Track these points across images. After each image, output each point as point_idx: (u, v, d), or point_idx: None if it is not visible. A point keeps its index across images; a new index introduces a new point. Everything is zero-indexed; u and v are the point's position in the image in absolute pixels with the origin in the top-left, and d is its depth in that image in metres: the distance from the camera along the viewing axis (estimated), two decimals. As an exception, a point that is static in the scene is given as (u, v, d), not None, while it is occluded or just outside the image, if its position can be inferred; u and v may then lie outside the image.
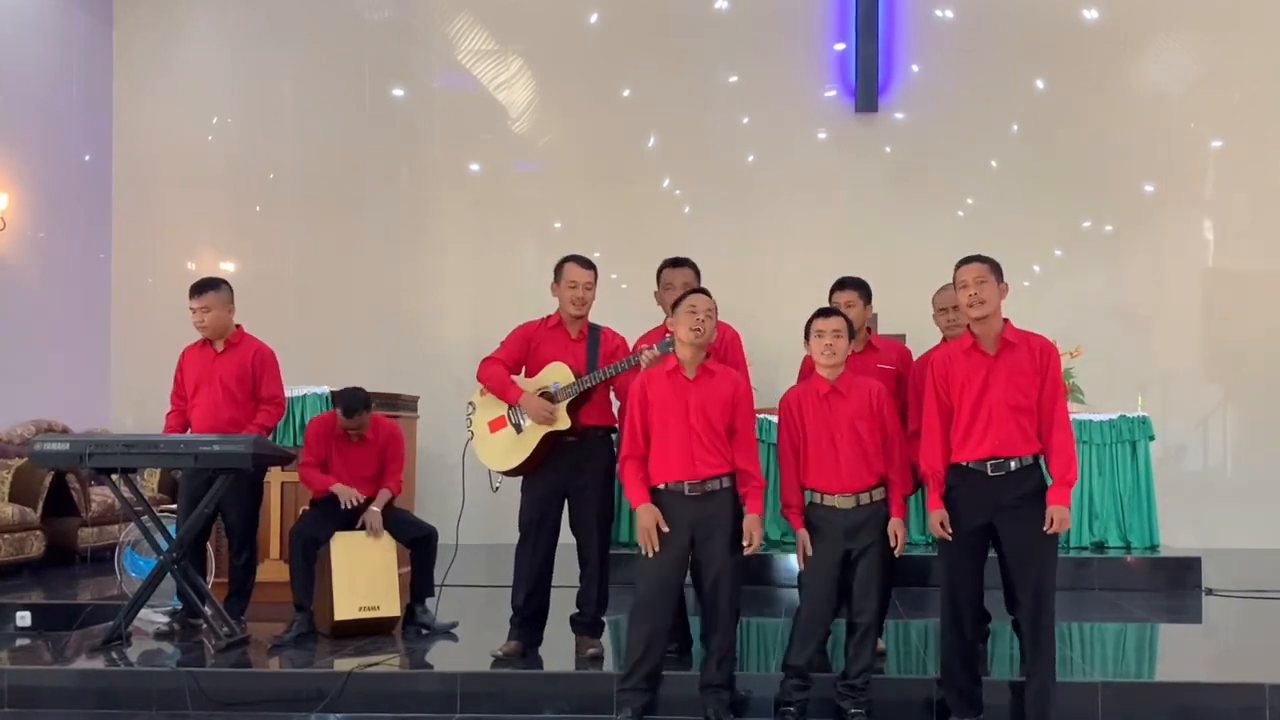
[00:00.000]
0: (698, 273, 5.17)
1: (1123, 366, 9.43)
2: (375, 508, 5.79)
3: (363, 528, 5.73)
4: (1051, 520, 4.12)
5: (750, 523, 4.37)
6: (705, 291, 4.59)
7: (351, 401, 5.82)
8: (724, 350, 5.02)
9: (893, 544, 4.41)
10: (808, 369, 5.02)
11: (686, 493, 4.37)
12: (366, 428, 5.89)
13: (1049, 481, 4.21)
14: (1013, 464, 4.19)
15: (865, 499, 4.41)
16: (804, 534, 4.45)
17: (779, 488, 4.60)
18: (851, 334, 4.53)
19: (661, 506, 4.38)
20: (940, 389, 4.31)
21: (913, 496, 4.79)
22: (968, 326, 4.34)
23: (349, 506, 5.69)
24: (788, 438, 4.50)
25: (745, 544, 4.36)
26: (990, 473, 4.19)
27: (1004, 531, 4.22)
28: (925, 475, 4.35)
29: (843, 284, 5.15)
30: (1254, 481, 9.43)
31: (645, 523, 4.35)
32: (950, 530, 4.24)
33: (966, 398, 4.24)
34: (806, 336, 4.51)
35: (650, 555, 4.35)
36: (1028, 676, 4.27)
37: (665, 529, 4.34)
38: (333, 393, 5.85)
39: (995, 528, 4.23)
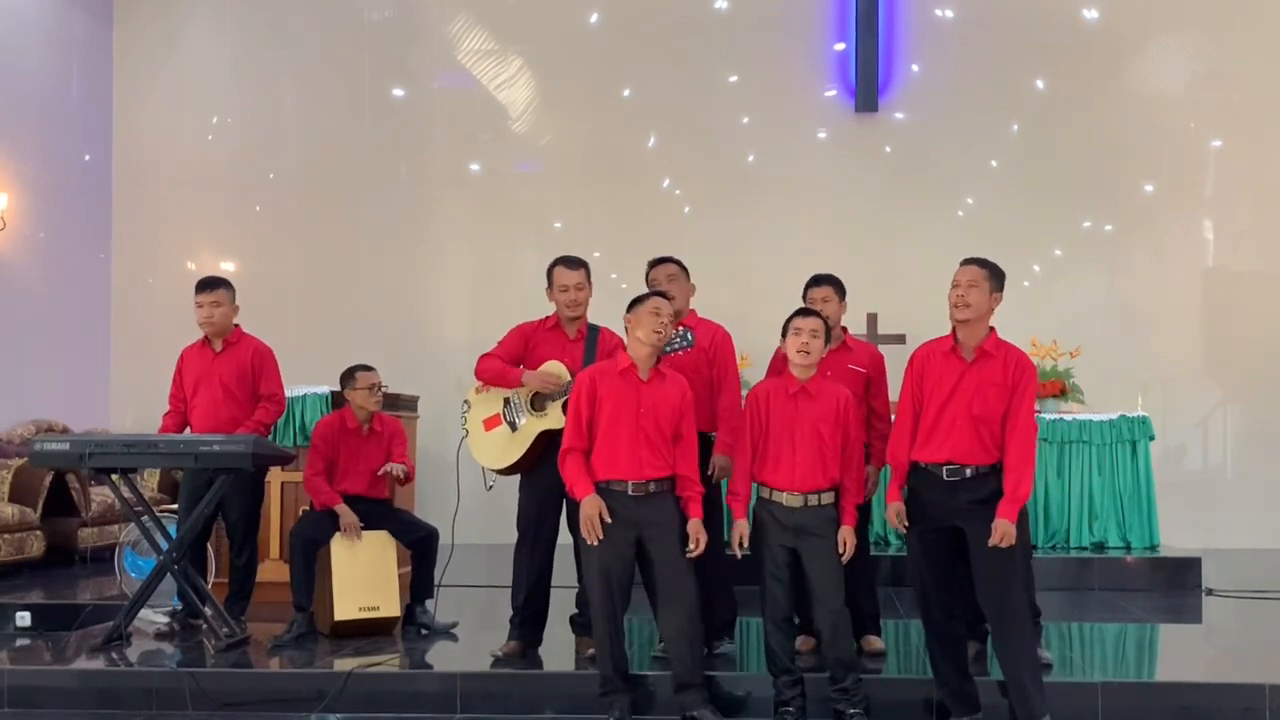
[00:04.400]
0: (683, 267, 5.17)
1: (1123, 366, 9.43)
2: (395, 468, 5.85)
3: (386, 473, 5.79)
4: (995, 532, 4.10)
5: (694, 527, 4.40)
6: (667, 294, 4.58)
7: (359, 366, 5.91)
8: (713, 350, 5.02)
9: (841, 550, 4.40)
10: (778, 362, 5.01)
11: (630, 493, 4.38)
12: (380, 393, 5.93)
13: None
14: (968, 471, 4.20)
15: (814, 500, 4.41)
16: (743, 524, 4.46)
17: (731, 478, 4.60)
18: (828, 336, 4.53)
19: (605, 503, 4.37)
20: (916, 384, 4.34)
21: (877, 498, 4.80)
22: (954, 328, 4.33)
23: (350, 535, 5.68)
24: (749, 430, 4.51)
25: (692, 547, 4.38)
26: (945, 477, 4.22)
27: (966, 532, 4.22)
28: (889, 464, 4.38)
29: (817, 280, 5.15)
30: (1254, 481, 9.42)
31: (589, 512, 4.34)
32: (907, 524, 4.27)
33: (935, 399, 4.27)
34: (784, 334, 4.51)
35: (593, 544, 4.35)
36: (1005, 676, 4.27)
37: (609, 520, 4.34)
38: (340, 378, 5.91)
39: (962, 531, 4.24)
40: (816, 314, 4.55)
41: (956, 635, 4.42)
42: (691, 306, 5.18)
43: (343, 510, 5.69)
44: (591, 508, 4.35)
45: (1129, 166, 9.67)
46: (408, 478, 5.95)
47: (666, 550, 4.40)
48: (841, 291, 5.14)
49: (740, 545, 4.47)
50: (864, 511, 4.95)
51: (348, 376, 5.92)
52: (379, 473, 5.84)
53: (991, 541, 4.10)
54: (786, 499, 4.41)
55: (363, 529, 5.72)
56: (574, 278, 5.10)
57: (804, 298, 5.08)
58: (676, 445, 4.46)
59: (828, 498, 4.44)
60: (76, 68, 9.87)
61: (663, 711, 4.61)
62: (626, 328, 4.53)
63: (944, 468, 4.22)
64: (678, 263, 5.19)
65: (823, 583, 4.40)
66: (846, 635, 4.47)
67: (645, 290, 4.70)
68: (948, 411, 4.23)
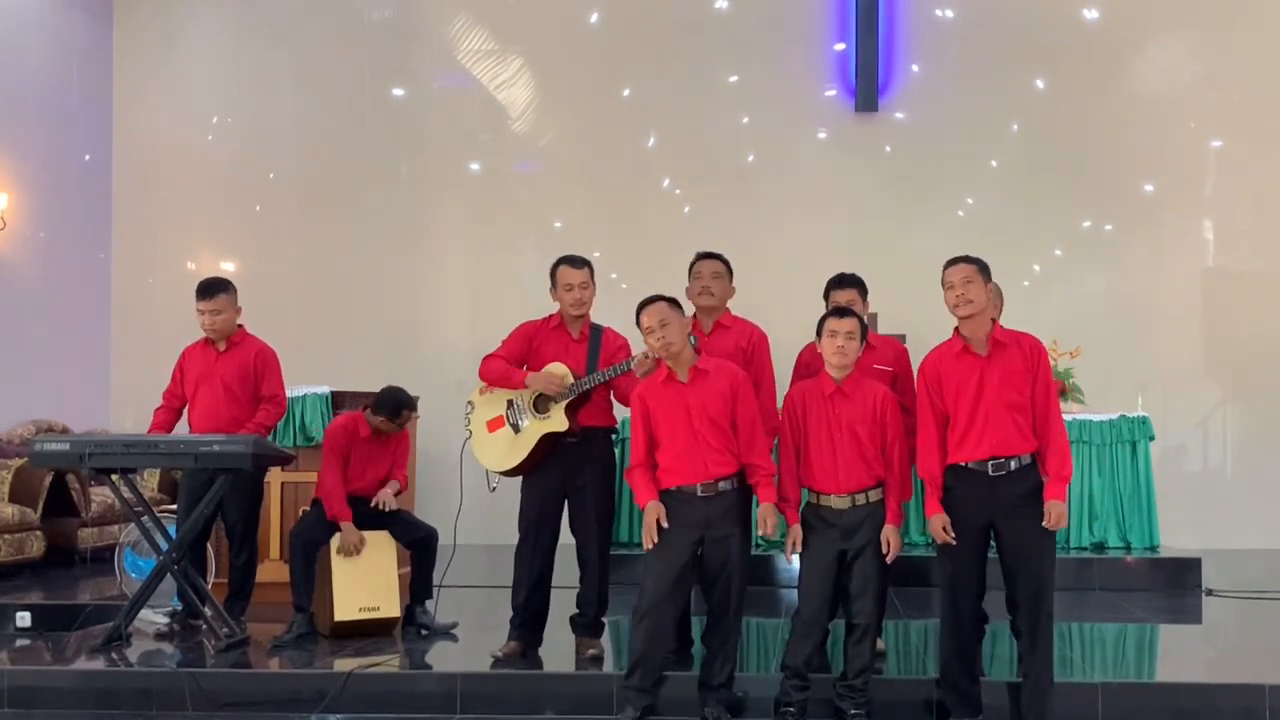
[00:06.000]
0: (729, 267, 5.15)
1: (1123, 366, 9.43)
2: (387, 490, 5.80)
3: (376, 508, 5.73)
4: (1050, 515, 4.13)
5: (765, 510, 4.39)
6: (657, 298, 4.51)
7: (410, 402, 5.89)
8: (750, 349, 5.01)
9: (884, 550, 4.39)
10: (803, 364, 5.02)
11: (699, 494, 4.38)
12: None
13: (1046, 479, 4.23)
14: (1013, 464, 4.20)
15: (861, 499, 4.41)
16: (796, 529, 4.47)
17: (779, 483, 4.59)
18: (863, 335, 4.52)
19: (671, 507, 4.38)
20: (933, 393, 4.33)
21: (912, 500, 4.79)
22: (956, 328, 4.34)
23: (350, 549, 5.68)
24: (790, 434, 4.51)
25: (761, 530, 4.38)
26: (991, 473, 4.21)
27: (1004, 530, 4.23)
28: (922, 480, 4.36)
29: (841, 281, 5.15)
30: (1254, 481, 9.42)
31: (649, 519, 4.35)
32: (953, 533, 4.24)
33: (963, 400, 4.25)
34: (819, 334, 4.51)
35: (652, 549, 4.35)
36: (1024, 675, 4.29)
37: (665, 525, 4.34)
38: (383, 394, 5.87)
39: (995, 527, 4.24)
40: (853, 314, 4.53)
41: (975, 638, 4.42)
42: (727, 306, 5.17)
43: (347, 529, 5.66)
44: (651, 515, 4.36)
45: (1129, 166, 9.67)
46: (400, 491, 5.96)
47: (724, 555, 4.40)
48: (864, 292, 5.15)
49: (794, 549, 4.47)
50: None
51: (395, 409, 5.82)
52: (374, 503, 5.77)
53: (1047, 524, 4.13)
54: (835, 501, 4.41)
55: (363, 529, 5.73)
56: (578, 276, 5.09)
57: (826, 298, 5.07)
58: (738, 433, 4.43)
59: (875, 495, 4.43)
60: (76, 68, 9.87)
61: (663, 712, 4.60)
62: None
63: (989, 463, 4.21)
64: (725, 262, 5.17)
65: (867, 584, 4.40)
66: (875, 636, 4.50)
67: (649, 289, 4.68)
68: (980, 408, 4.22)
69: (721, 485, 4.40)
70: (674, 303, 4.50)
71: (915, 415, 4.83)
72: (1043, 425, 4.23)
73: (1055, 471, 4.19)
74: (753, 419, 4.48)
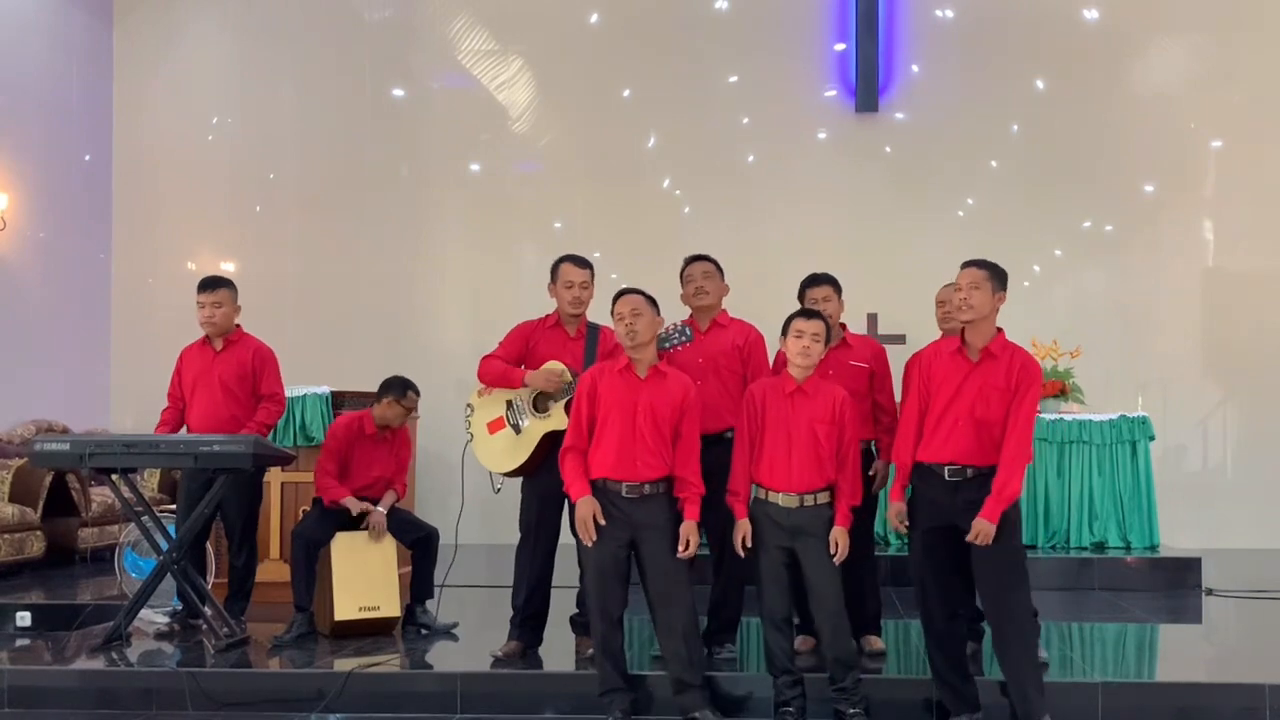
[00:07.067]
0: (718, 266, 5.18)
1: (1123, 366, 9.44)
2: (381, 508, 5.79)
3: (367, 528, 5.73)
4: (973, 530, 4.09)
5: (687, 529, 4.39)
6: (636, 290, 4.53)
7: (410, 385, 5.87)
8: (747, 349, 5.03)
9: (832, 551, 4.37)
10: (781, 362, 5.02)
11: (624, 494, 4.38)
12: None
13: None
14: (969, 471, 4.21)
15: (809, 500, 4.40)
16: (745, 523, 4.45)
17: (730, 477, 4.56)
18: (828, 338, 4.52)
19: (599, 502, 4.39)
20: (922, 384, 4.35)
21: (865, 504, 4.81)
22: (963, 329, 4.34)
23: (376, 530, 5.70)
24: (746, 428, 4.50)
25: (681, 549, 4.37)
26: (947, 477, 4.22)
27: (963, 536, 4.21)
28: (894, 464, 4.39)
29: (816, 280, 5.13)
30: (1254, 481, 9.42)
31: (583, 514, 4.36)
32: (907, 525, 4.29)
33: (939, 399, 4.28)
34: (784, 333, 4.50)
35: (589, 545, 4.37)
36: (1006, 678, 4.28)
37: (603, 522, 4.36)
38: (387, 380, 5.87)
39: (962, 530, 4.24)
40: (819, 316, 4.53)
41: (956, 635, 4.42)
42: (724, 306, 5.19)
43: (351, 501, 5.68)
44: (586, 510, 4.37)
45: (1129, 166, 9.67)
46: (396, 501, 5.97)
47: (659, 552, 4.41)
48: (839, 290, 5.14)
49: (743, 544, 4.45)
50: (867, 510, 4.95)
51: (400, 391, 5.83)
52: (365, 525, 5.78)
53: (968, 538, 4.12)
54: (783, 500, 4.40)
55: (362, 530, 5.73)
56: (580, 275, 5.11)
57: (801, 298, 5.08)
58: (676, 445, 4.45)
59: (824, 497, 4.43)
60: (76, 68, 9.87)
61: (662, 711, 4.61)
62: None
63: (946, 468, 4.22)
64: (714, 262, 5.19)
65: (821, 583, 4.40)
66: (846, 635, 4.46)
67: (648, 289, 4.70)
68: (950, 413, 4.23)
69: (647, 489, 4.40)
70: (652, 301, 4.51)
71: (892, 411, 4.88)
72: (1004, 442, 4.17)
73: (996, 489, 4.12)
74: (694, 436, 4.48)
